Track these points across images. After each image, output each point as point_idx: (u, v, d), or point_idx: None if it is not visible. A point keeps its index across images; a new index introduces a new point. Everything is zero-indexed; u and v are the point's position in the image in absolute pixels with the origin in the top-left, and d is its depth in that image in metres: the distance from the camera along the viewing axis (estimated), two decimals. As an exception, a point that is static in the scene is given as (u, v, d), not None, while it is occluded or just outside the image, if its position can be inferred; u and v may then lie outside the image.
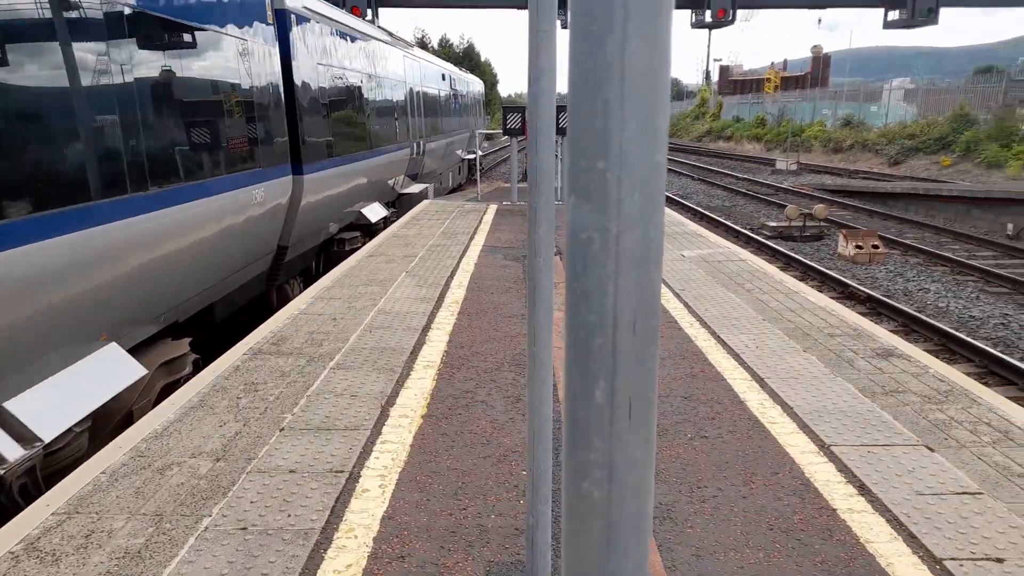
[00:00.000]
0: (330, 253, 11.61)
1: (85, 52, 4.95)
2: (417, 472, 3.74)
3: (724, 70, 77.19)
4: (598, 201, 0.67)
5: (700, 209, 18.39)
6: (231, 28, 7.39)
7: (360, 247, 10.59)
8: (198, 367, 6.28)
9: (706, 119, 60.41)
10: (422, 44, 62.89)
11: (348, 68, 11.89)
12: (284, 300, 9.02)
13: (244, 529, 3.18)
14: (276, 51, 8.66)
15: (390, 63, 15.04)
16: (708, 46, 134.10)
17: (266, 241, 8.49)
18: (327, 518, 3.27)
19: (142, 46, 5.72)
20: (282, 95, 8.80)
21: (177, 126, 6.25)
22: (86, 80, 4.93)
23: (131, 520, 3.26)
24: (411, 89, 16.93)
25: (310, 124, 9.75)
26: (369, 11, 25.32)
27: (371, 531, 3.19)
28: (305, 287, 8.97)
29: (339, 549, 3.04)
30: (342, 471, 3.73)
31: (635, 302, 0.69)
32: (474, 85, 32.55)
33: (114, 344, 5.32)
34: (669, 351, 5.71)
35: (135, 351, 5.60)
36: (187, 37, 6.56)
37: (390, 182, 14.76)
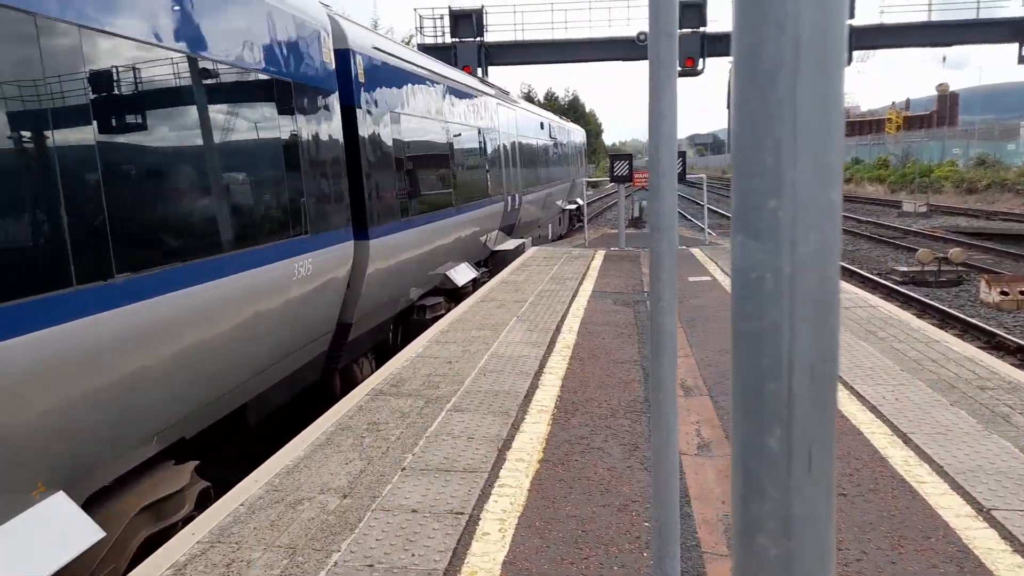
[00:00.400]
0: (410, 322, 9.76)
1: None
2: (536, 518, 3.73)
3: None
4: (770, 241, 0.67)
5: (820, 251, 17.52)
6: (272, 68, 5.81)
7: (444, 314, 9.53)
8: (209, 498, 4.61)
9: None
10: (528, 98, 64.77)
11: (428, 116, 10.53)
12: (350, 384, 7.16)
13: (371, 566, 3.27)
14: (335, 98, 7.14)
15: (479, 111, 13.77)
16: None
17: (321, 321, 6.74)
18: (449, 559, 3.31)
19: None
20: (342, 149, 7.18)
21: (165, 187, 4.48)
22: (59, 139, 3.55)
23: (267, 551, 3.43)
24: (505, 138, 15.62)
25: (379, 181, 8.20)
26: (479, 69, 26.39)
27: (493, 575, 3.18)
28: (378, 364, 7.86)
29: (461, 592, 3.06)
30: (462, 513, 3.77)
31: (813, 345, 0.67)
32: (575, 134, 31.53)
33: (61, 495, 3.56)
34: (795, 400, 5.43)
35: (104, 490, 4.04)
36: (209, 79, 4.99)
37: (481, 239, 13.43)
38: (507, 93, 19.14)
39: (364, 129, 7.86)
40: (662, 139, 2.42)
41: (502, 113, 15.78)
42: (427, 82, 10.63)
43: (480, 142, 13.55)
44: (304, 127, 6.41)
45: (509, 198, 15.35)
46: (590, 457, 4.52)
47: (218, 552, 3.45)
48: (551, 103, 68.80)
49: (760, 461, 0.70)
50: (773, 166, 0.67)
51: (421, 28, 27.45)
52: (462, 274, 11.56)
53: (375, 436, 4.92)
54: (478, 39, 26.78)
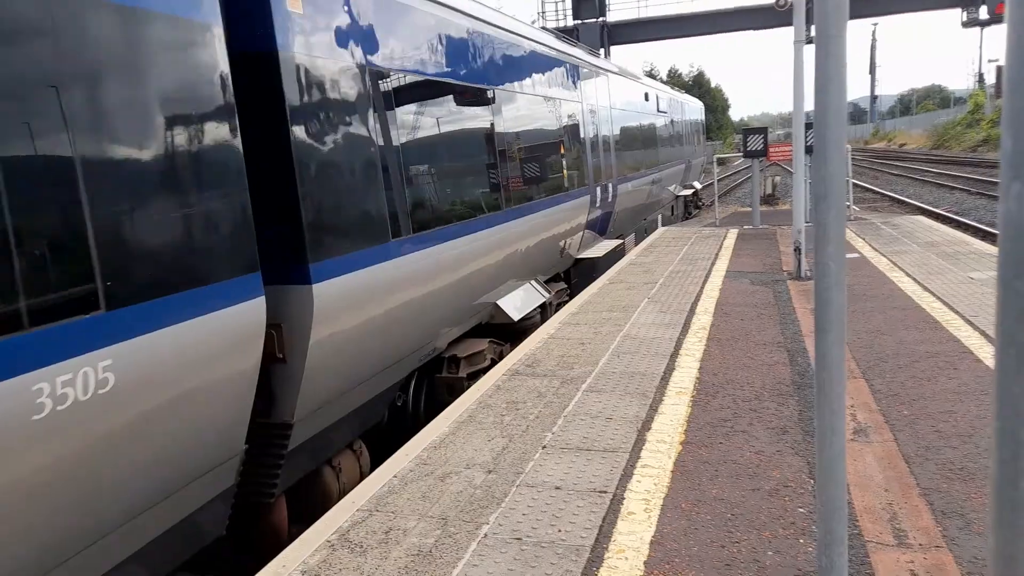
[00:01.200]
0: (435, 381, 6.56)
1: None
2: (681, 499, 3.66)
3: (1002, 71, 66.65)
4: (1059, 183, 0.60)
5: (983, 227, 15.89)
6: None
7: (489, 366, 6.80)
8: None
9: (982, 127, 52.44)
10: (650, 76, 63.05)
11: (444, 76, 6.50)
12: (311, 506, 4.74)
13: (519, 539, 3.35)
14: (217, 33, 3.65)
15: (547, 74, 9.73)
16: (980, 46, 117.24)
17: (199, 445, 3.60)
18: (596, 536, 3.32)
19: None
20: (229, 129, 3.71)
21: None
22: None
23: (421, 521, 3.60)
24: (592, 113, 11.89)
25: (333, 180, 4.65)
26: (602, 51, 25.99)
27: (641, 554, 3.17)
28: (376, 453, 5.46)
29: (611, 569, 3.07)
30: (605, 491, 3.77)
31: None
32: (690, 108, 26.35)
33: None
34: (967, 386, 4.97)
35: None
36: None
37: (559, 245, 9.91)
38: (595, 54, 15.14)
39: (297, 92, 4.29)
40: (830, 102, 2.26)
41: (587, 79, 11.96)
42: (445, 24, 6.53)
43: (549, 117, 9.72)
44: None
45: (599, 188, 11.81)
46: (735, 440, 4.37)
47: (377, 520, 3.66)
48: (675, 80, 66.69)
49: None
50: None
51: (543, 12, 27.41)
52: (522, 301, 8.14)
53: (514, 414, 5.02)
54: (600, 19, 26.39)
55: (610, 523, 3.46)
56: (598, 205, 11.83)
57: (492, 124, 7.67)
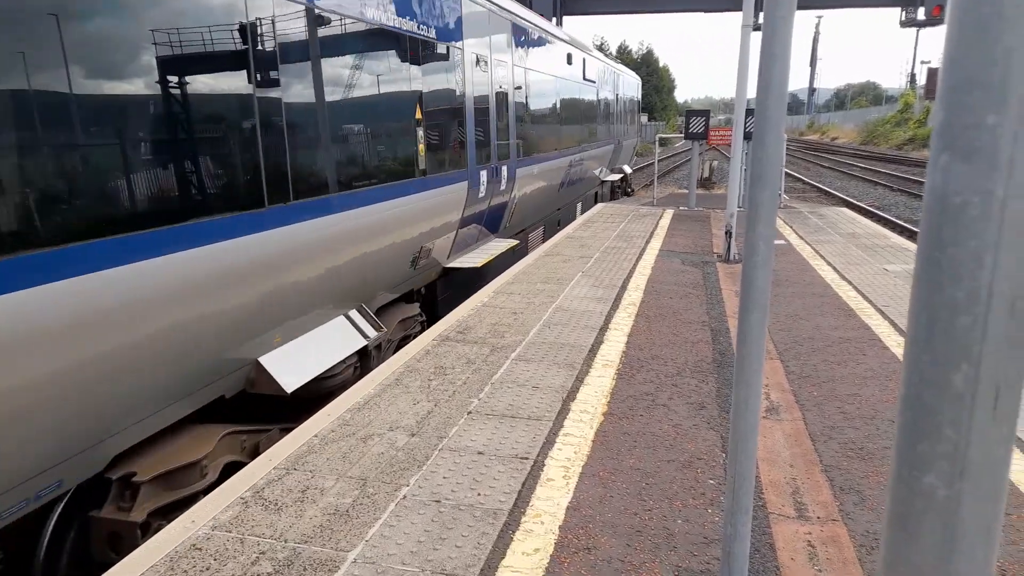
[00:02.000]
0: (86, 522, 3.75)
1: None
2: (599, 468, 3.73)
3: (933, 73, 69.74)
4: (983, 162, 0.60)
5: (901, 222, 16.72)
6: None
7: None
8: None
9: (909, 126, 54.90)
10: (600, 50, 63.02)
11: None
12: None
13: (438, 502, 3.35)
14: None
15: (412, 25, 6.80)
16: (915, 46, 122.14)
17: None
18: (514, 501, 3.36)
19: None
20: None
21: None
22: None
23: (340, 481, 3.55)
24: (479, 68, 8.79)
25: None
26: (554, 19, 25.73)
27: (557, 519, 3.22)
28: None
29: (527, 532, 3.11)
30: (527, 458, 3.81)
31: (1017, 278, 0.61)
32: (626, 81, 22.67)
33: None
34: (873, 371, 5.24)
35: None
36: None
37: (412, 251, 7.03)
38: None
39: None
40: (773, 83, 2.29)
41: (475, 22, 8.59)
42: None
43: (393, 64, 6.52)
44: None
45: (485, 172, 8.95)
46: (655, 413, 4.48)
47: (294, 478, 3.59)
48: (624, 56, 66.90)
49: (939, 399, 0.65)
50: (1000, 78, 0.59)
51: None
52: (317, 351, 5.27)
53: (442, 379, 5.00)
54: (553, -14, 26.05)
55: (529, 488, 3.50)
56: (483, 194, 8.92)
57: (255, 70, 4.40)
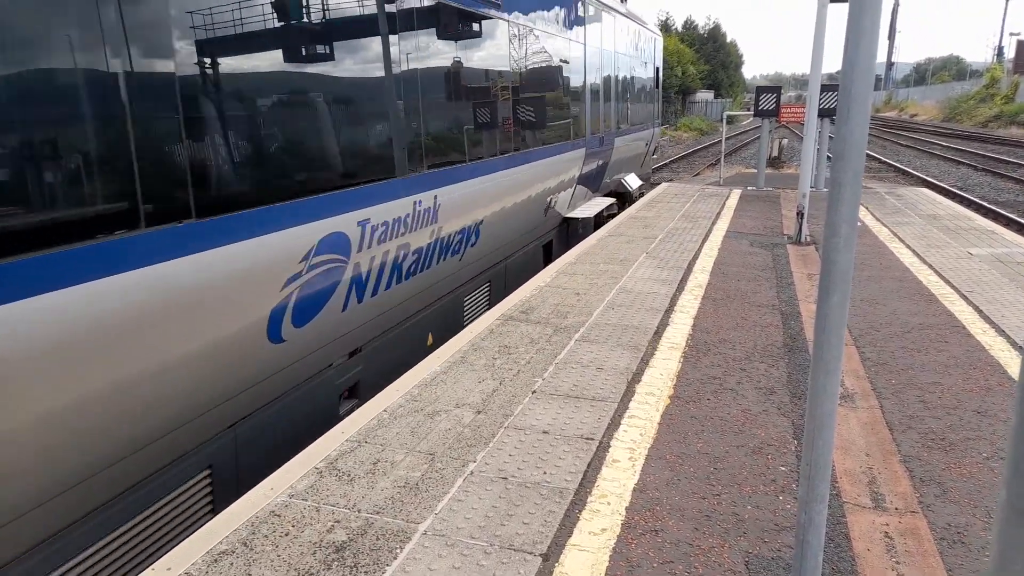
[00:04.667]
0: None
1: None
2: (666, 451, 3.71)
3: (1022, 45, 65.27)
4: None
5: (986, 204, 15.80)
6: None
7: None
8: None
9: (995, 102, 51.68)
10: (665, 27, 61.50)
11: None
12: None
13: (505, 479, 3.40)
14: None
15: None
16: (1003, 18, 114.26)
17: None
18: (580, 481, 3.37)
19: None
20: None
21: None
22: None
23: (409, 455, 3.64)
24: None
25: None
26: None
27: (623, 500, 3.22)
28: None
29: (593, 512, 3.12)
30: (592, 439, 3.82)
31: None
32: (628, 39, 13.83)
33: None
34: (956, 359, 5.00)
35: None
36: None
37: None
38: None
39: None
40: (859, 58, 2.19)
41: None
42: None
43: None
44: None
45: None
46: (723, 397, 4.41)
47: (365, 451, 3.70)
48: (690, 32, 65.11)
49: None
50: None
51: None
52: None
53: (506, 359, 5.04)
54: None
55: (595, 469, 3.51)
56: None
57: None
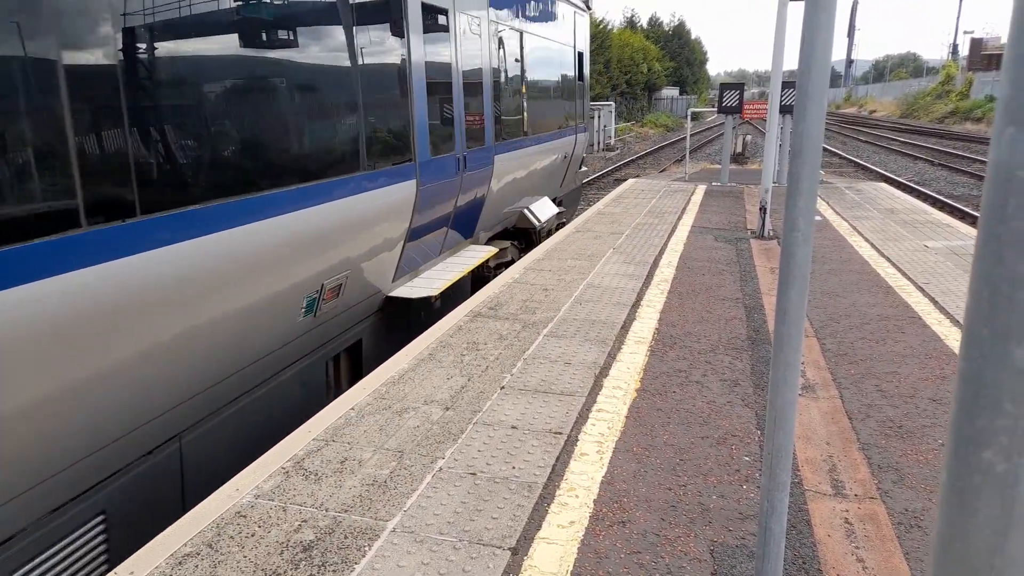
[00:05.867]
0: None
1: None
2: (633, 444, 3.76)
3: (976, 43, 67.24)
4: (1055, 133, 0.59)
5: (942, 198, 16.26)
6: None
7: None
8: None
9: (950, 98, 53.18)
10: (631, 24, 61.93)
11: None
12: None
13: (474, 474, 3.41)
14: None
15: None
16: (958, 16, 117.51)
17: None
18: (548, 475, 3.40)
19: None
20: None
21: None
22: None
23: (377, 453, 3.63)
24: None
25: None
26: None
27: (591, 493, 3.26)
28: None
29: (561, 505, 3.15)
30: (560, 433, 3.85)
31: (1087, 250, 0.60)
32: (549, 14, 10.90)
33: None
34: (913, 349, 5.15)
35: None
36: None
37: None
38: None
39: None
40: (815, 54, 2.24)
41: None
42: None
43: None
44: None
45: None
46: (689, 390, 4.48)
47: (332, 449, 3.68)
48: (655, 29, 65.65)
49: (1000, 374, 0.65)
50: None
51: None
52: None
53: (475, 355, 5.04)
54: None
55: (563, 463, 3.54)
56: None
57: None
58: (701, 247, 8.72)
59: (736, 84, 14.62)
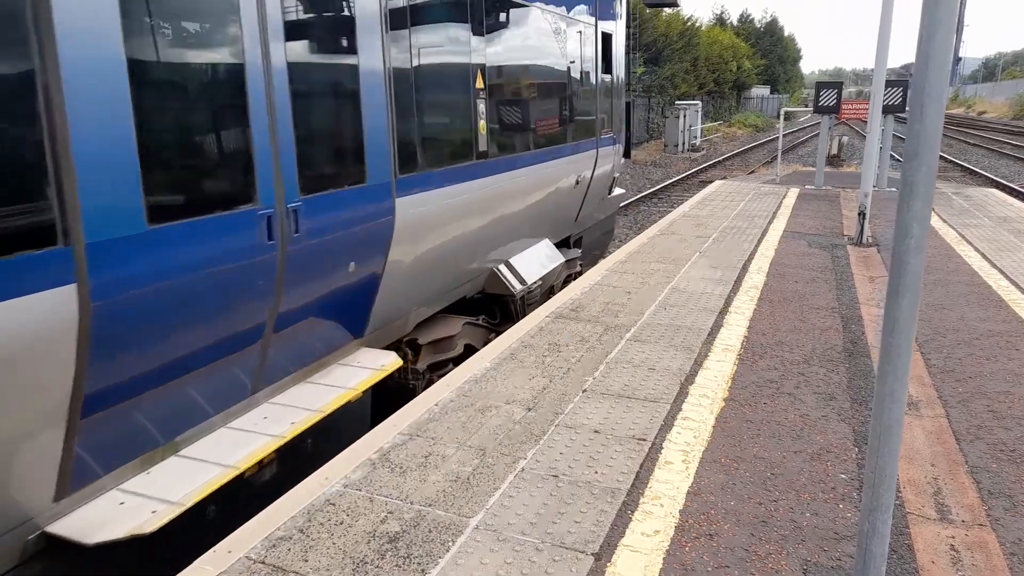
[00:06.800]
0: None
1: None
2: (721, 454, 3.64)
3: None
4: None
5: (1061, 204, 15.01)
6: None
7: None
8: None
9: (1074, 95, 49.07)
10: (720, 21, 60.30)
11: None
12: None
13: (556, 476, 3.39)
14: None
15: None
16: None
17: None
18: (632, 481, 3.34)
19: None
20: None
21: None
22: None
23: (460, 449, 3.67)
24: None
25: None
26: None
27: (677, 503, 3.18)
28: None
29: (646, 513, 3.09)
30: (644, 439, 3.78)
31: None
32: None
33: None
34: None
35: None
36: None
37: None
38: None
39: None
40: (934, 52, 2.10)
41: None
42: None
43: None
44: None
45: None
46: (780, 402, 4.31)
47: (416, 444, 3.75)
48: (746, 26, 63.75)
49: None
50: None
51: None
52: None
53: (556, 356, 5.02)
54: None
55: (647, 470, 3.47)
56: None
57: None
58: (794, 253, 8.38)
59: (834, 83, 14.00)
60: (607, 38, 8.93)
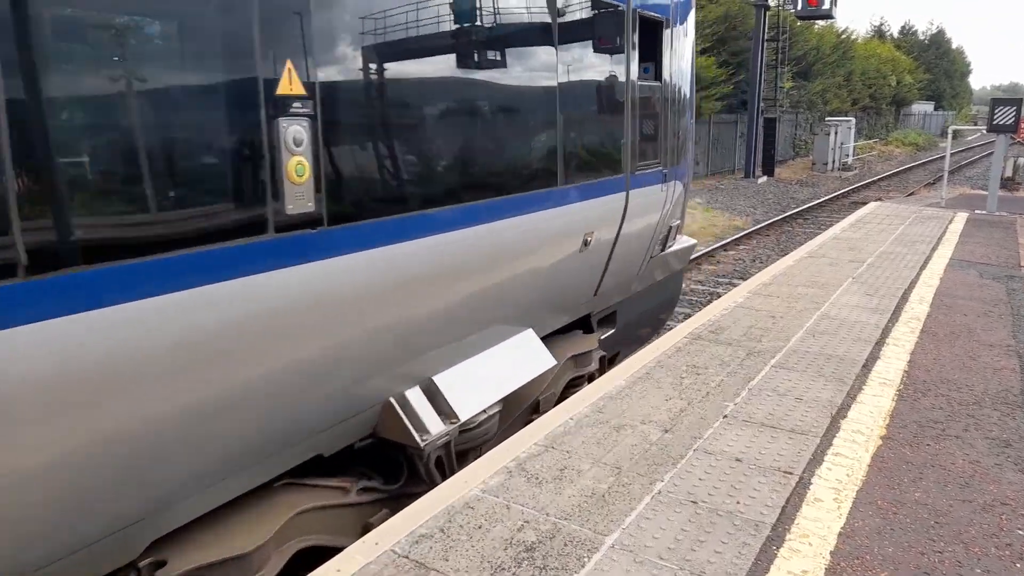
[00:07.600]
0: None
1: None
2: (877, 496, 3.38)
3: None
4: None
5: None
6: None
7: None
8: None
9: None
10: (879, 33, 56.45)
11: None
12: None
13: (695, 503, 3.29)
14: None
15: None
16: None
17: None
18: (778, 516, 3.18)
19: None
20: None
21: None
22: None
23: (595, 466, 3.66)
24: None
25: None
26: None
27: (827, 543, 2.99)
28: None
29: (793, 551, 2.93)
30: (791, 472, 3.58)
31: None
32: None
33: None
34: None
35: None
36: None
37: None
38: None
39: None
40: None
41: None
42: None
43: None
44: None
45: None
46: (946, 444, 3.94)
47: (552, 456, 3.78)
48: (907, 38, 59.30)
49: None
50: None
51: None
52: None
53: (695, 378, 4.89)
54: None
55: (794, 506, 3.29)
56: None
57: None
58: (962, 283, 7.66)
59: (1012, 100, 12.68)
60: (651, 27, 5.88)
